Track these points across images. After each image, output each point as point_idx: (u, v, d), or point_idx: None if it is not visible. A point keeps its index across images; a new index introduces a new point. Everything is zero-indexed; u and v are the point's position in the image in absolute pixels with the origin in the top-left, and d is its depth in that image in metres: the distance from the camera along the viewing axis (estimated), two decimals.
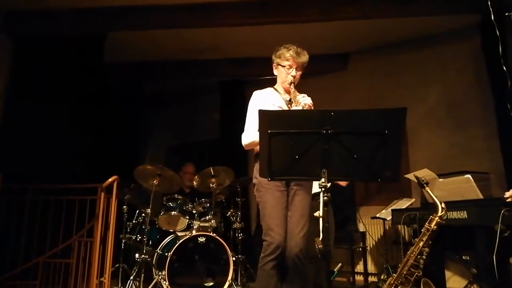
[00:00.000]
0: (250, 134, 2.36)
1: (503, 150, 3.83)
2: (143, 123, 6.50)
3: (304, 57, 2.41)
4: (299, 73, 2.42)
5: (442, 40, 4.66)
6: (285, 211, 2.27)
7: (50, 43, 4.28)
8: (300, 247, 2.21)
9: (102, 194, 3.38)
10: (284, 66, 2.40)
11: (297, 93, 2.32)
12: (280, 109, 2.38)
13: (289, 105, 2.41)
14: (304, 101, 2.24)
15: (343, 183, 3.40)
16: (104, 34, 4.44)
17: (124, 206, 3.93)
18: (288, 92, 2.43)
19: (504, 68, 2.03)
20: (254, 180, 2.37)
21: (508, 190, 3.44)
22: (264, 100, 2.43)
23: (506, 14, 1.69)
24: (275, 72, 2.51)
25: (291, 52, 2.39)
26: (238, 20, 4.15)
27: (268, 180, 2.22)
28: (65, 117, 4.14)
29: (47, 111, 4.10)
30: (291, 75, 2.38)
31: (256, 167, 2.35)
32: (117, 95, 5.51)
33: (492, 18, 2.03)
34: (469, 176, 2.86)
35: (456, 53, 4.59)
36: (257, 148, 2.34)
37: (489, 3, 2.06)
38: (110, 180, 3.40)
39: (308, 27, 4.33)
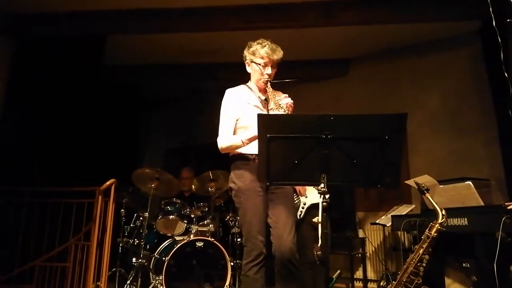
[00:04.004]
0: (227, 138, 2.28)
1: (504, 157, 3.82)
2: (142, 126, 6.49)
3: (279, 54, 2.29)
4: (274, 70, 2.31)
5: (442, 46, 4.66)
6: (265, 215, 2.21)
7: (51, 45, 4.28)
8: (292, 251, 2.14)
9: (100, 197, 3.36)
10: (259, 64, 2.29)
11: (276, 94, 2.23)
12: (256, 108, 2.30)
13: (264, 105, 2.32)
14: (285, 102, 2.14)
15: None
16: (105, 37, 4.44)
17: (122, 210, 3.91)
18: (263, 91, 2.35)
19: (506, 74, 2.01)
20: (232, 185, 2.29)
21: (509, 197, 3.43)
22: (238, 99, 2.34)
23: (508, 20, 1.68)
24: (248, 69, 2.39)
25: (266, 49, 2.26)
26: (238, 24, 4.14)
27: (267, 185, 2.19)
28: (64, 120, 4.13)
29: (46, 113, 4.10)
30: (267, 73, 2.27)
31: (235, 172, 2.29)
32: (116, 98, 5.50)
33: (494, 24, 2.01)
34: (469, 182, 2.83)
35: (456, 59, 4.59)
36: (235, 151, 2.29)
37: (490, 9, 2.05)
38: (108, 183, 3.38)
39: (309, 33, 4.33)
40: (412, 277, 2.14)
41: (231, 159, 2.35)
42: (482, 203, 2.76)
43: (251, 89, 2.41)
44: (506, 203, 2.49)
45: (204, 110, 6.44)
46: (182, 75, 5.64)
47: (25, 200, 3.64)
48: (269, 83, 2.26)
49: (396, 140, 1.68)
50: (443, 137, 4.54)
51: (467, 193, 2.81)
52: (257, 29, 4.12)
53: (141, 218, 3.83)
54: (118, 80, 5.50)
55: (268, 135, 1.70)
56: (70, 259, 3.40)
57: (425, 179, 2.87)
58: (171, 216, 3.78)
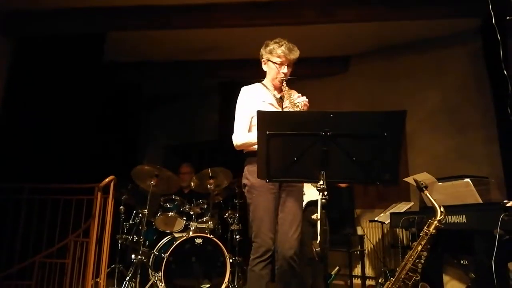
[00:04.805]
0: (242, 135, 2.31)
1: (503, 155, 3.82)
2: (142, 124, 6.48)
3: (296, 53, 2.33)
4: (290, 70, 2.35)
5: (442, 44, 4.66)
6: (276, 213, 2.25)
7: (49, 43, 4.27)
8: (294, 249, 2.19)
9: (99, 194, 3.36)
10: (275, 63, 2.32)
11: (291, 92, 2.28)
12: (271, 106, 2.33)
13: (279, 102, 2.36)
14: (300, 101, 2.19)
15: (342, 184, 3.41)
16: (104, 34, 4.43)
17: (121, 207, 3.91)
18: (278, 89, 2.39)
19: (505, 72, 2.02)
20: (246, 181, 2.32)
21: (507, 194, 3.43)
22: (253, 96, 2.37)
23: (508, 18, 1.68)
24: (264, 67, 2.43)
25: (283, 48, 2.30)
26: (237, 21, 4.14)
27: (266, 182, 2.20)
28: (63, 117, 4.13)
29: (45, 111, 4.09)
30: (283, 72, 2.31)
31: (248, 168, 2.32)
32: (116, 95, 5.50)
33: (493, 22, 2.01)
34: (468, 180, 2.84)
35: (456, 57, 4.59)
36: (250, 148, 2.31)
37: (490, 6, 2.05)
38: (107, 180, 3.38)
39: (308, 30, 4.33)
40: (411, 274, 2.15)
41: (245, 156, 2.37)
42: (480, 201, 2.76)
43: (266, 87, 2.44)
44: (504, 201, 2.50)
45: (204, 108, 6.46)
46: (182, 73, 5.64)
47: (24, 197, 3.64)
48: (284, 82, 2.30)
49: (395, 137, 1.69)
50: (443, 135, 4.55)
51: (465, 191, 2.82)
52: (257, 26, 4.12)
53: (140, 215, 3.84)
54: (118, 77, 5.49)
55: (267, 132, 1.70)
56: (69, 256, 3.40)
57: (424, 177, 2.88)
58: (170, 213, 3.79)
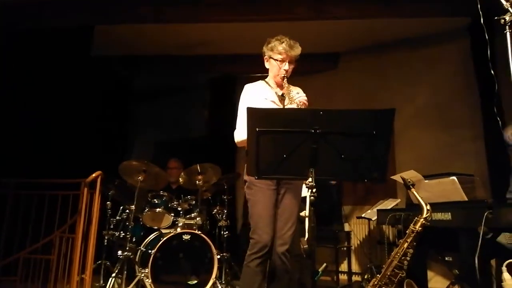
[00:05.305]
0: (243, 132, 2.32)
1: (488, 152, 3.89)
2: (131, 119, 6.41)
3: (297, 50, 2.35)
4: (291, 66, 2.36)
5: (432, 42, 4.70)
6: (274, 210, 2.27)
7: (36, 36, 4.18)
8: (287, 246, 2.23)
9: (85, 189, 3.32)
10: (277, 60, 2.34)
11: (291, 89, 2.29)
12: (273, 103, 2.35)
13: (281, 100, 2.37)
14: (298, 99, 2.20)
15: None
16: (91, 27, 4.35)
17: (108, 202, 3.86)
18: (280, 86, 2.40)
19: (492, 71, 2.04)
20: (245, 177, 2.33)
21: (492, 192, 3.50)
22: (256, 94, 2.38)
23: (495, 18, 1.70)
24: (267, 65, 2.45)
25: (284, 45, 2.32)
26: (227, 17, 4.12)
27: (255, 179, 2.21)
28: (50, 111, 4.06)
29: (31, 105, 4.02)
30: (284, 69, 2.33)
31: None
32: (105, 89, 5.42)
33: (482, 21, 2.03)
34: (454, 178, 2.88)
35: (445, 54, 4.64)
36: None
37: (478, 6, 2.07)
38: (93, 175, 3.34)
39: (299, 26, 4.32)
40: (396, 271, 2.17)
41: (246, 152, 2.37)
42: (466, 198, 2.80)
43: (269, 84, 2.46)
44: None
45: (194, 103, 6.41)
46: (173, 67, 5.59)
47: (10, 192, 3.57)
48: (285, 79, 2.31)
49: (383, 135, 1.70)
50: (431, 132, 4.59)
51: (451, 189, 2.85)
52: (247, 22, 4.10)
53: (127, 210, 3.80)
54: (108, 71, 5.42)
55: (257, 129, 1.70)
56: (54, 252, 3.35)
57: (411, 174, 2.90)
58: (158, 209, 3.76)
